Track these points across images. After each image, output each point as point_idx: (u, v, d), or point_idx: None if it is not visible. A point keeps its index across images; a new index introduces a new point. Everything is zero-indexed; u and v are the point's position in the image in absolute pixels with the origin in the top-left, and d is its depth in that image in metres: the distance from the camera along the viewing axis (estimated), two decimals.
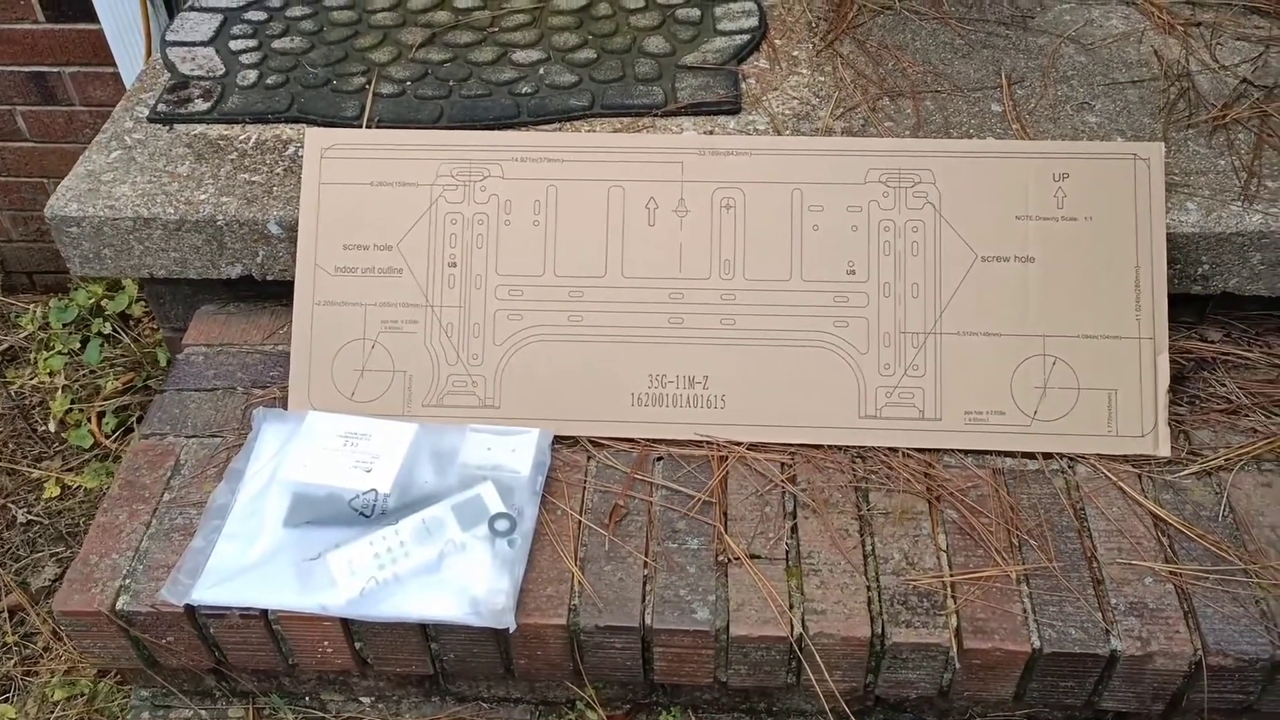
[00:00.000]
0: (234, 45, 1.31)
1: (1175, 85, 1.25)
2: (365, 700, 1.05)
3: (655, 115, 1.20)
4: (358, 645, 0.94)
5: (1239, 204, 1.09)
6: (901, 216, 1.06)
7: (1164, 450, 1.03)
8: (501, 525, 0.94)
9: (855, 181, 1.07)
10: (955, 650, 0.89)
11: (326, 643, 0.93)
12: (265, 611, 0.90)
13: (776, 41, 1.32)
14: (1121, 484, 1.01)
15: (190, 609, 0.90)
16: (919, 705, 1.00)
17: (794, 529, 0.98)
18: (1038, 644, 0.89)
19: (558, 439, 1.04)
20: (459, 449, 1.01)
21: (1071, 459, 1.03)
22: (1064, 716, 1.00)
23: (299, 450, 1.00)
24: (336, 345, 1.06)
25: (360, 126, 1.18)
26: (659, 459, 1.04)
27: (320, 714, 1.04)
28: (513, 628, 0.88)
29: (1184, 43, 1.33)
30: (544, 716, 1.03)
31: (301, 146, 1.12)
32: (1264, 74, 1.26)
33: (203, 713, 1.04)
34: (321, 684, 1.03)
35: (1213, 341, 1.15)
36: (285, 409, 1.06)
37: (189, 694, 1.04)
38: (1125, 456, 1.03)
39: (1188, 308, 1.15)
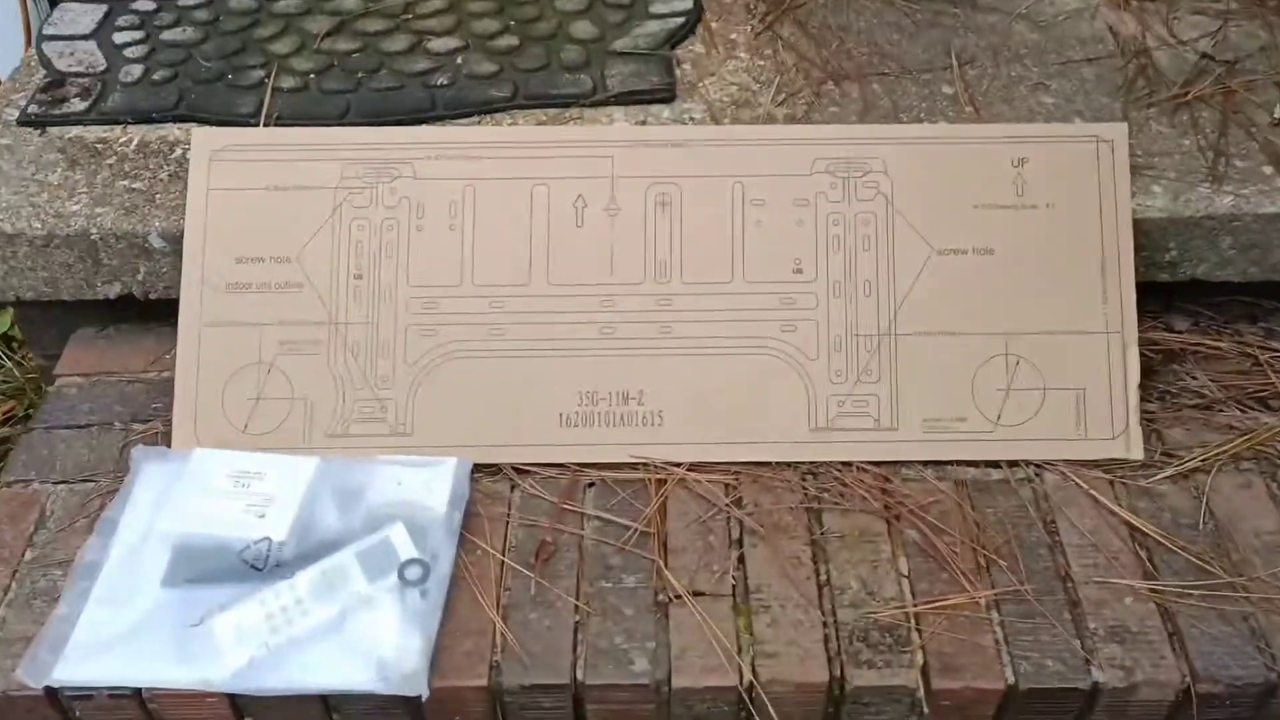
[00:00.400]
0: (118, 38, 1.17)
1: (1133, 62, 1.16)
2: None
3: (583, 105, 1.08)
4: None
5: (1208, 185, 1.00)
6: (851, 209, 0.96)
7: (1136, 453, 0.94)
8: (413, 573, 0.82)
9: (801, 173, 0.97)
10: (923, 691, 0.79)
11: None
12: (139, 690, 0.77)
13: (713, 24, 1.22)
14: (1093, 492, 0.92)
15: (51, 691, 0.77)
16: None
17: (741, 559, 0.88)
18: (1012, 679, 0.79)
19: (478, 467, 0.93)
20: (366, 485, 0.89)
21: (1039, 466, 0.94)
22: None
23: (182, 495, 0.87)
24: (228, 372, 0.94)
25: (257, 125, 1.05)
26: (590, 485, 0.93)
27: None
28: (425, 694, 0.76)
29: (1139, 18, 1.24)
30: None
31: (190, 148, 0.99)
32: (1224, 48, 1.18)
33: None
34: None
35: (1180, 331, 1.07)
36: (169, 446, 0.93)
37: None
38: (1096, 461, 0.94)
39: (1153, 297, 1.06)
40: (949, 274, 0.95)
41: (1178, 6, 1.25)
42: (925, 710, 0.79)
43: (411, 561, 0.83)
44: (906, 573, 0.87)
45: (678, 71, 1.13)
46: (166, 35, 1.17)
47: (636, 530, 0.89)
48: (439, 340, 0.95)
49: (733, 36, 1.20)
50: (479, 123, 1.08)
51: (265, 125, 1.05)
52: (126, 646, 0.78)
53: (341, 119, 1.07)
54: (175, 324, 0.96)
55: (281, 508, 0.86)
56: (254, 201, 0.96)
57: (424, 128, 1.06)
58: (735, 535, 0.90)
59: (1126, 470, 0.93)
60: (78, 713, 0.79)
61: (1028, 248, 0.95)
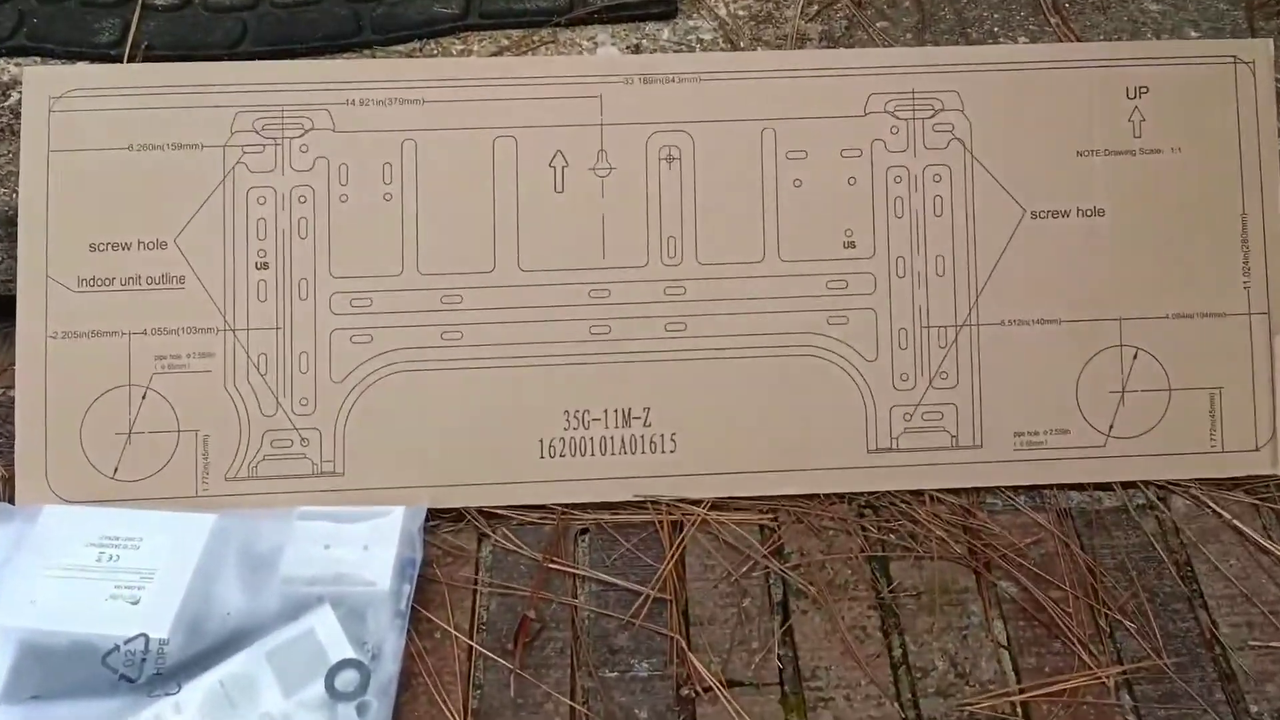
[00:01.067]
0: None
1: None
2: None
3: (557, 25, 0.87)
4: None
5: None
6: (918, 161, 0.76)
7: None
8: (346, 681, 0.62)
9: (851, 113, 0.76)
10: None
11: None
12: None
13: None
14: (1237, 522, 0.75)
15: None
16: None
17: (788, 632, 0.68)
18: None
19: (435, 514, 0.74)
20: (281, 550, 0.68)
21: (1163, 488, 0.77)
22: None
23: (27, 572, 0.67)
24: (87, 398, 0.73)
25: (119, 60, 0.81)
26: (584, 532, 0.74)
27: None
28: None
29: None
30: None
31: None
32: None
33: None
34: None
35: None
36: (11, 501, 0.72)
37: None
38: (1236, 481, 0.77)
39: None
40: (1046, 243, 0.77)
41: None
42: None
43: (344, 664, 0.63)
44: (1006, 643, 0.68)
45: None
46: None
47: (648, 596, 0.70)
48: (375, 349, 0.74)
49: None
50: (419, 50, 0.85)
51: (130, 59, 0.81)
52: None
53: (234, 48, 0.84)
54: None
55: (164, 588, 0.66)
56: (113, 166, 0.74)
57: (346, 59, 0.83)
58: (778, 597, 0.71)
59: (1275, 490, 0.77)
60: None
61: (1148, 206, 0.77)
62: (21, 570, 0.67)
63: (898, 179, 0.77)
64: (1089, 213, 0.77)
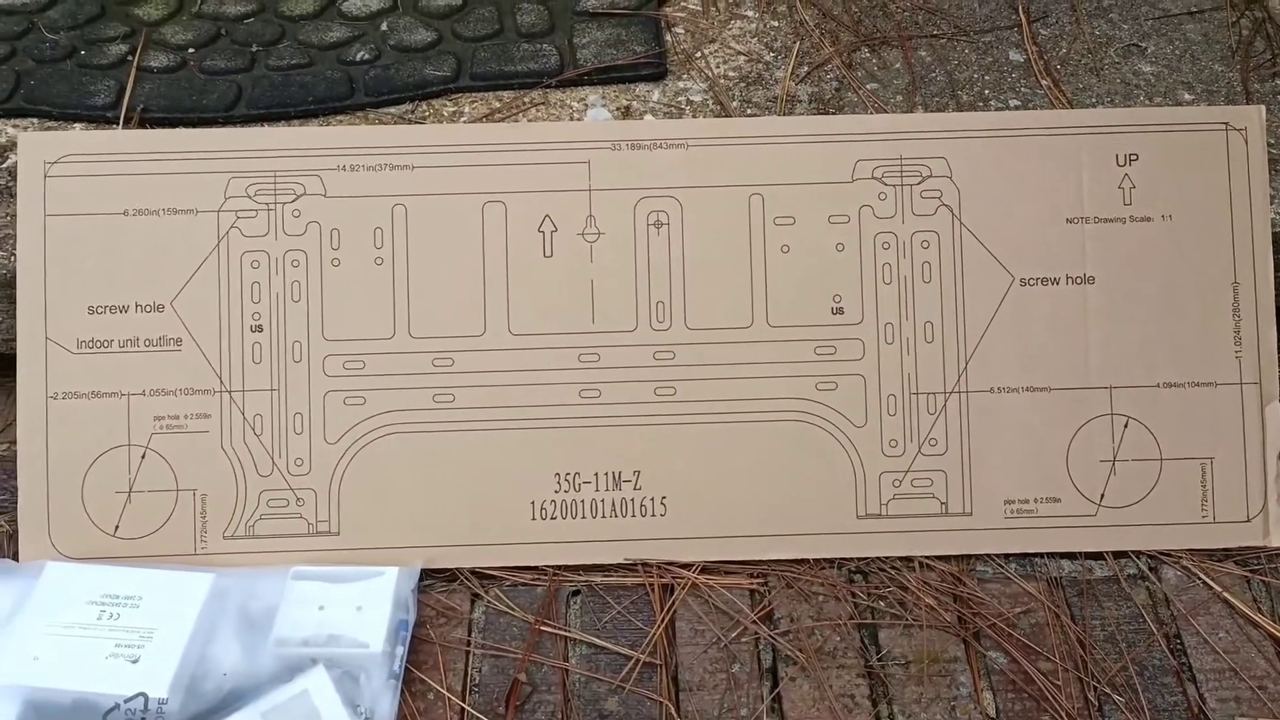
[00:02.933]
0: None
1: (1246, 16, 1.02)
2: None
3: (548, 86, 0.93)
4: None
5: None
6: (906, 227, 0.82)
7: (1277, 539, 0.81)
8: None
9: (839, 179, 0.82)
10: None
11: None
12: None
13: None
14: (1227, 594, 0.79)
15: None
16: None
17: (776, 700, 0.74)
18: None
19: (428, 574, 0.79)
20: (276, 611, 0.74)
21: (1154, 558, 0.82)
22: None
23: (30, 629, 0.73)
24: (88, 457, 0.79)
25: (115, 122, 0.88)
26: (575, 594, 0.80)
27: None
28: None
29: None
30: None
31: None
32: None
33: None
34: None
35: None
36: (15, 557, 0.78)
37: None
38: (1228, 551, 0.82)
39: None
40: (1036, 310, 0.82)
41: None
42: None
43: None
44: (995, 715, 0.73)
45: (668, 38, 0.98)
46: None
47: (638, 661, 0.75)
48: (368, 411, 0.80)
49: None
50: (411, 114, 0.92)
51: (126, 122, 0.88)
52: None
53: (229, 111, 0.91)
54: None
55: (163, 648, 0.72)
56: (110, 230, 0.80)
57: (338, 125, 0.90)
58: (767, 663, 0.76)
59: (1266, 562, 0.81)
60: None
61: (1138, 274, 0.82)
62: (25, 627, 0.72)
63: (886, 245, 0.82)
64: (1079, 280, 0.82)
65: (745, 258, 0.82)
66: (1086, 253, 0.82)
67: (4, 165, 0.87)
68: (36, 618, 0.74)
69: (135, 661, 0.71)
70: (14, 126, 0.89)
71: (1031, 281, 0.82)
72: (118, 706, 0.69)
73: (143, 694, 0.70)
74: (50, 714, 0.70)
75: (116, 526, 0.79)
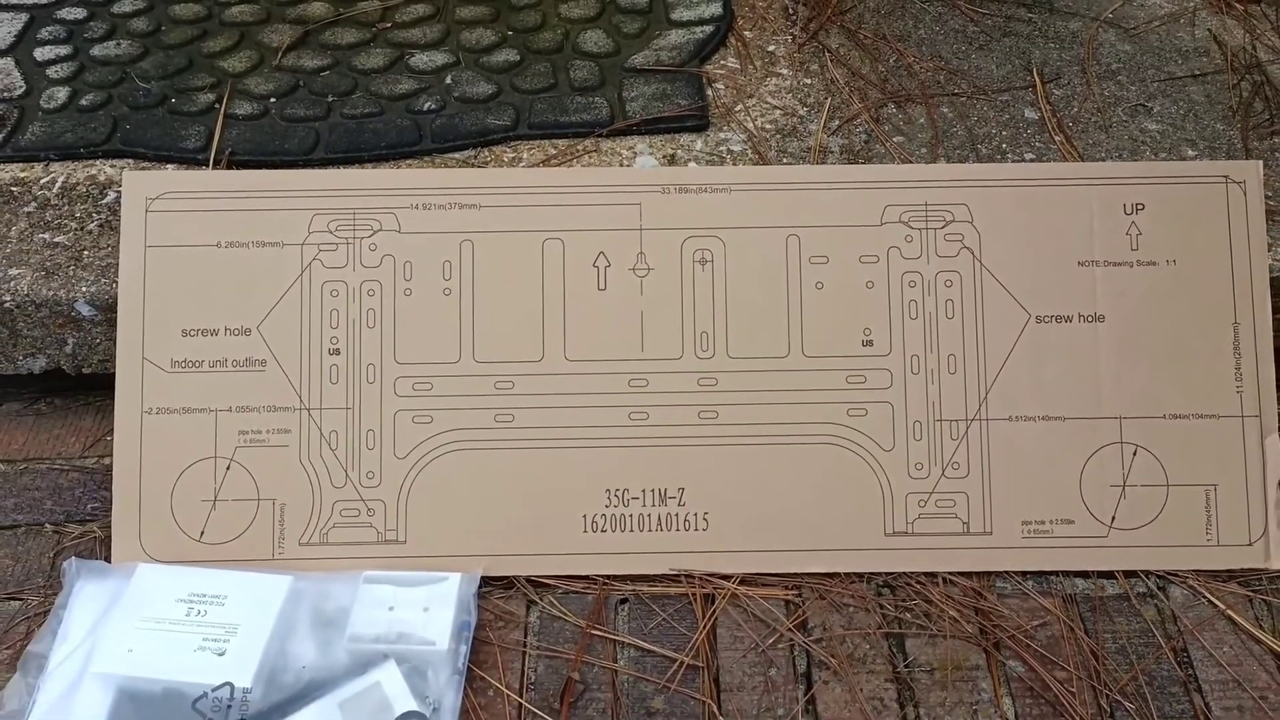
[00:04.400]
0: (41, 54, 1.09)
1: (1246, 79, 1.10)
2: None
3: (599, 135, 1.01)
4: None
5: None
6: (931, 267, 0.88)
7: (1278, 562, 0.86)
8: None
9: (869, 223, 0.89)
10: None
11: None
12: None
13: (746, 33, 1.14)
14: (1230, 612, 0.84)
15: None
16: None
17: (811, 701, 0.79)
18: None
19: (487, 581, 0.85)
20: (349, 610, 0.80)
21: (1163, 577, 0.87)
22: None
23: (124, 624, 0.79)
24: (177, 468, 0.85)
25: (205, 164, 0.96)
26: (623, 601, 0.85)
27: None
28: None
29: (1245, 24, 1.18)
30: None
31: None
32: None
33: None
34: None
35: None
36: (109, 558, 0.84)
37: None
38: (1230, 572, 0.87)
39: None
40: (1051, 345, 0.88)
41: None
42: None
43: (409, 715, 0.74)
44: (1014, 718, 0.79)
45: (709, 93, 1.06)
46: (98, 50, 1.08)
47: (682, 663, 0.81)
48: (435, 429, 0.86)
49: (771, 48, 1.13)
50: (475, 158, 1.00)
51: (215, 163, 0.96)
52: None
53: (309, 155, 0.98)
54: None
55: (246, 642, 0.78)
56: (203, 261, 0.87)
57: (409, 169, 0.97)
58: (801, 668, 0.81)
59: (1267, 583, 0.86)
60: None
61: (1145, 313, 0.88)
62: (118, 622, 0.79)
63: (912, 283, 0.89)
64: (1090, 318, 0.88)
65: (783, 293, 0.88)
66: (1097, 293, 0.88)
67: (104, 201, 0.95)
68: (129, 614, 0.80)
69: (221, 654, 0.77)
70: (111, 166, 0.98)
71: (1046, 319, 0.88)
72: (205, 695, 0.75)
73: (229, 684, 0.76)
74: (143, 702, 0.75)
75: (202, 532, 0.85)
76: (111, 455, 0.87)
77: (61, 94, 1.03)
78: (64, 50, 1.08)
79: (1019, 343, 0.88)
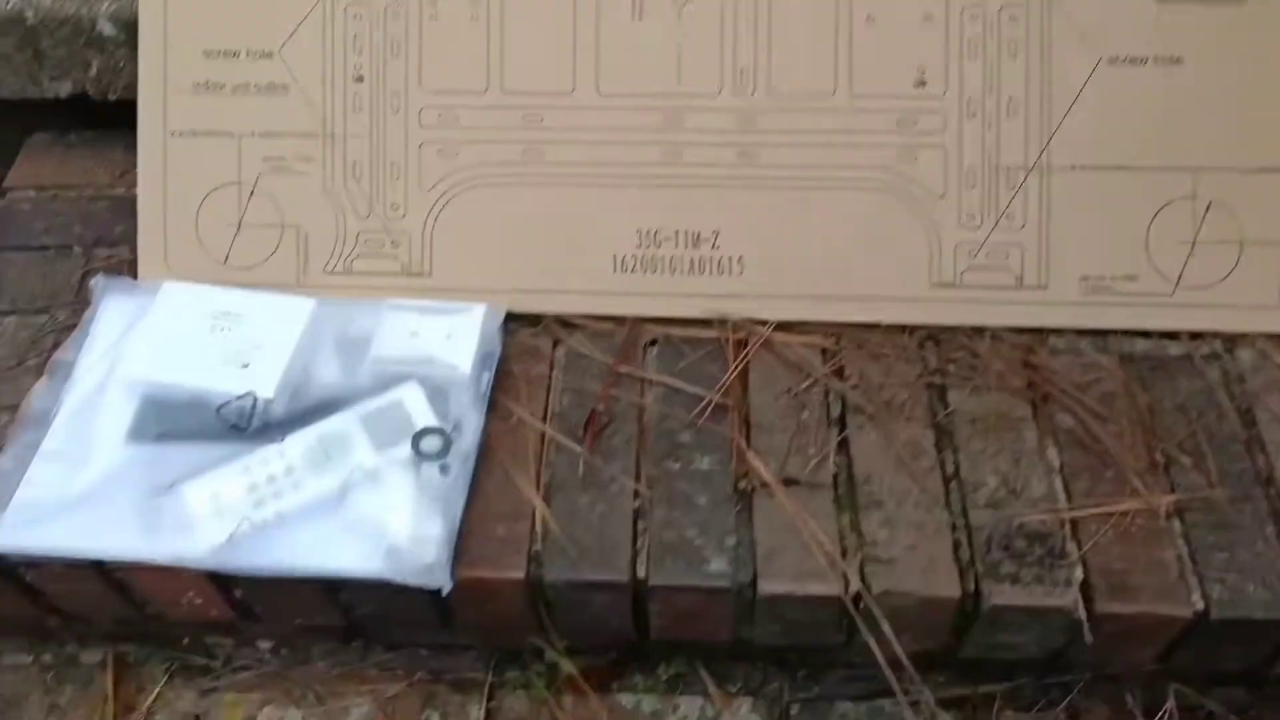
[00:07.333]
0: None
1: None
2: (263, 645, 0.83)
3: None
4: (237, 594, 0.73)
5: None
6: (994, 3, 0.82)
7: None
8: (430, 445, 0.72)
9: None
10: (1084, 615, 0.68)
11: (192, 593, 0.73)
12: (100, 561, 0.69)
13: None
14: None
15: None
16: (1013, 665, 0.79)
17: (843, 443, 0.76)
18: (1201, 606, 0.67)
19: (512, 317, 0.82)
20: (372, 335, 0.78)
21: (1230, 340, 0.81)
22: (1211, 680, 0.79)
23: (151, 335, 0.78)
24: (201, 191, 0.83)
25: None
26: (652, 343, 0.82)
27: (203, 660, 0.83)
28: (447, 587, 0.67)
29: None
30: (502, 666, 0.82)
31: None
32: None
33: (46, 656, 0.83)
34: (202, 627, 0.82)
35: None
36: (135, 277, 0.84)
37: (21, 636, 0.83)
38: None
39: None
40: (1122, 89, 0.81)
41: None
42: (1088, 636, 0.68)
43: (429, 430, 0.72)
44: (1059, 467, 0.75)
45: None
46: None
47: (711, 402, 0.78)
48: (461, 161, 0.83)
49: None
50: None
51: None
52: (82, 511, 0.69)
53: None
54: None
55: (270, 357, 0.76)
56: None
57: None
58: (836, 413, 0.78)
59: None
60: (28, 578, 0.72)
61: (1227, 55, 0.81)
62: (144, 333, 0.77)
63: (973, 18, 0.81)
64: (1167, 61, 0.81)
65: (830, 26, 0.82)
66: (1176, 33, 0.80)
67: None
68: (155, 327, 0.78)
69: (245, 367, 0.76)
70: None
71: (1119, 60, 0.81)
72: (229, 402, 0.74)
73: (252, 393, 0.74)
74: (169, 406, 0.74)
75: (227, 256, 0.83)
76: (136, 185, 0.85)
77: None
78: None
79: (1087, 86, 0.81)
